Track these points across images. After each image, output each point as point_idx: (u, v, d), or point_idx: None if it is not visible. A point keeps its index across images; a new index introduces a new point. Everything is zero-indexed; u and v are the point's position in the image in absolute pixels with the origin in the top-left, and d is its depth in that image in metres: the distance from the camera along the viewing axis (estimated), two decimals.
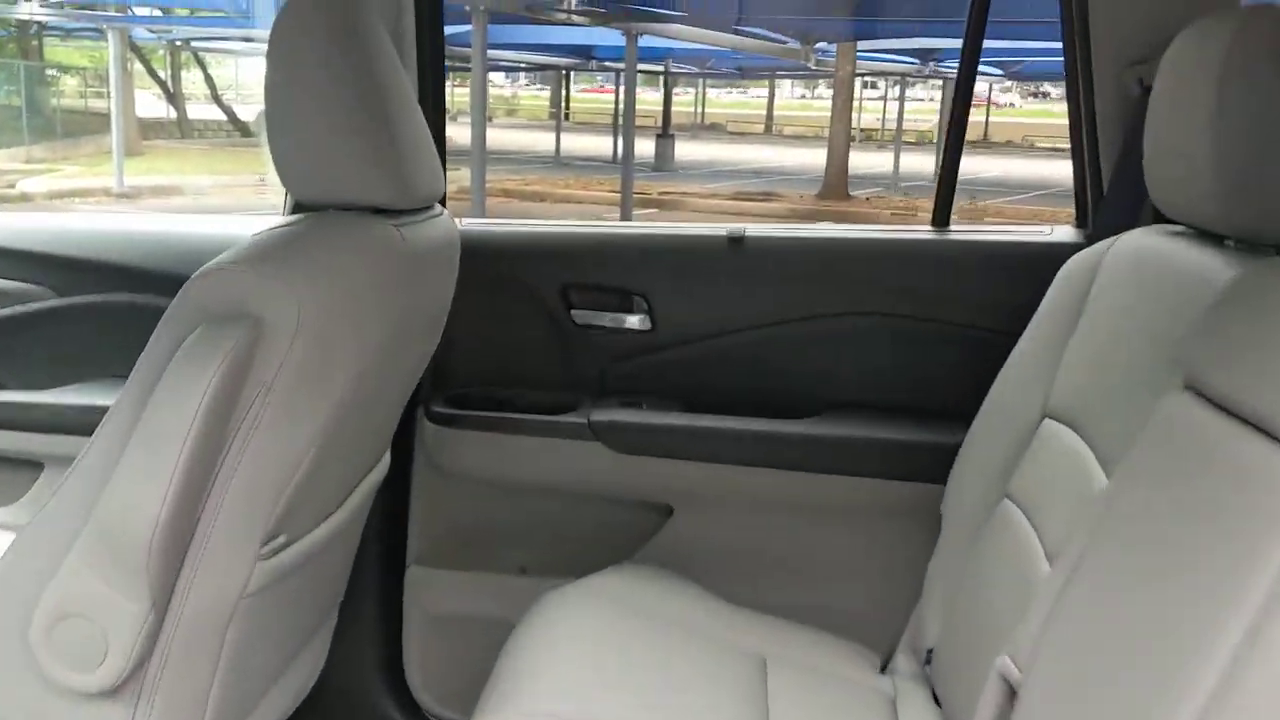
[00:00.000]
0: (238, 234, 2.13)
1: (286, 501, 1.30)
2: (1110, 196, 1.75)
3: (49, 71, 20.26)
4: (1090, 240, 1.65)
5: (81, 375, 2.04)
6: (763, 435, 1.89)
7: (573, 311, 2.02)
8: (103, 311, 2.07)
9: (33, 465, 1.94)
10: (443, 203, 1.71)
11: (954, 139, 2.01)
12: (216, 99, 21.56)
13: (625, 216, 11.18)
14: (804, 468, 1.88)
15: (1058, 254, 1.65)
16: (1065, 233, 1.92)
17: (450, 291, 1.67)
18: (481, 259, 1.85)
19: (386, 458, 1.74)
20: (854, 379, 1.97)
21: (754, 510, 1.95)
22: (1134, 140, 1.64)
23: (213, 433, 1.18)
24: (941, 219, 2.01)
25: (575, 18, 10.06)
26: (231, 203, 11.83)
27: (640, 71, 13.92)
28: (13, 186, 13.40)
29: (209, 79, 22.31)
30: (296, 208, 1.90)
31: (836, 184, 15.53)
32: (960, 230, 2.01)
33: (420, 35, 1.93)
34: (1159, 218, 1.46)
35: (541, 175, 17.49)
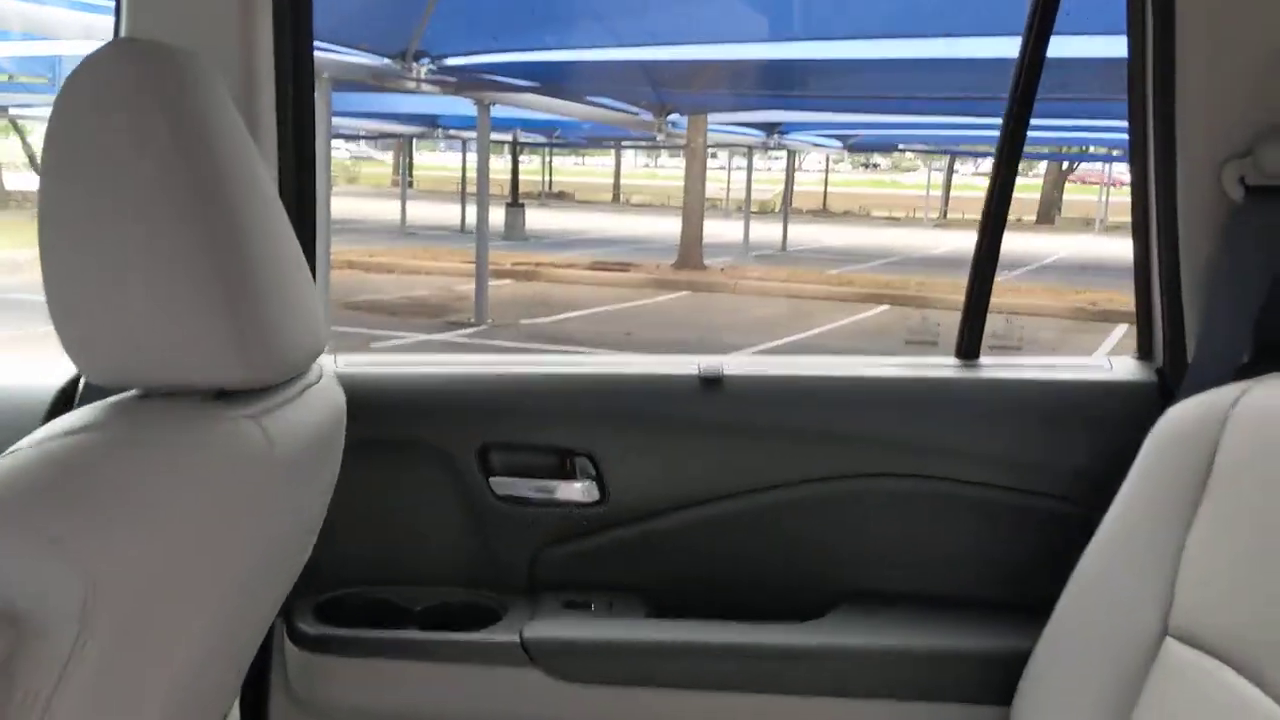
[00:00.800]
0: (25, 387, 1.43)
1: None
2: (1209, 331, 1.36)
3: None
4: (1175, 383, 1.34)
5: None
6: (757, 649, 1.44)
7: (493, 480, 1.55)
8: None
9: None
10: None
11: (985, 253, 1.60)
12: (36, 168, 20.36)
13: (481, 289, 10.85)
14: (814, 690, 1.43)
15: (1127, 395, 1.38)
16: (1128, 367, 1.55)
17: (334, 479, 1.22)
18: (367, 412, 1.36)
19: (235, 710, 1.30)
20: (873, 563, 1.54)
21: None
22: (1238, 255, 1.34)
23: None
24: (970, 350, 1.62)
25: (425, 87, 9.78)
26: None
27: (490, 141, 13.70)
28: None
29: (28, 147, 21.08)
30: (90, 391, 1.37)
31: (692, 253, 15.53)
32: (994, 364, 1.62)
33: (282, 108, 1.42)
34: (1269, 359, 1.18)
35: (387, 246, 16.98)
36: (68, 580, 0.75)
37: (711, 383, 1.55)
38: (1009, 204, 1.60)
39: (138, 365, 0.88)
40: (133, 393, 0.92)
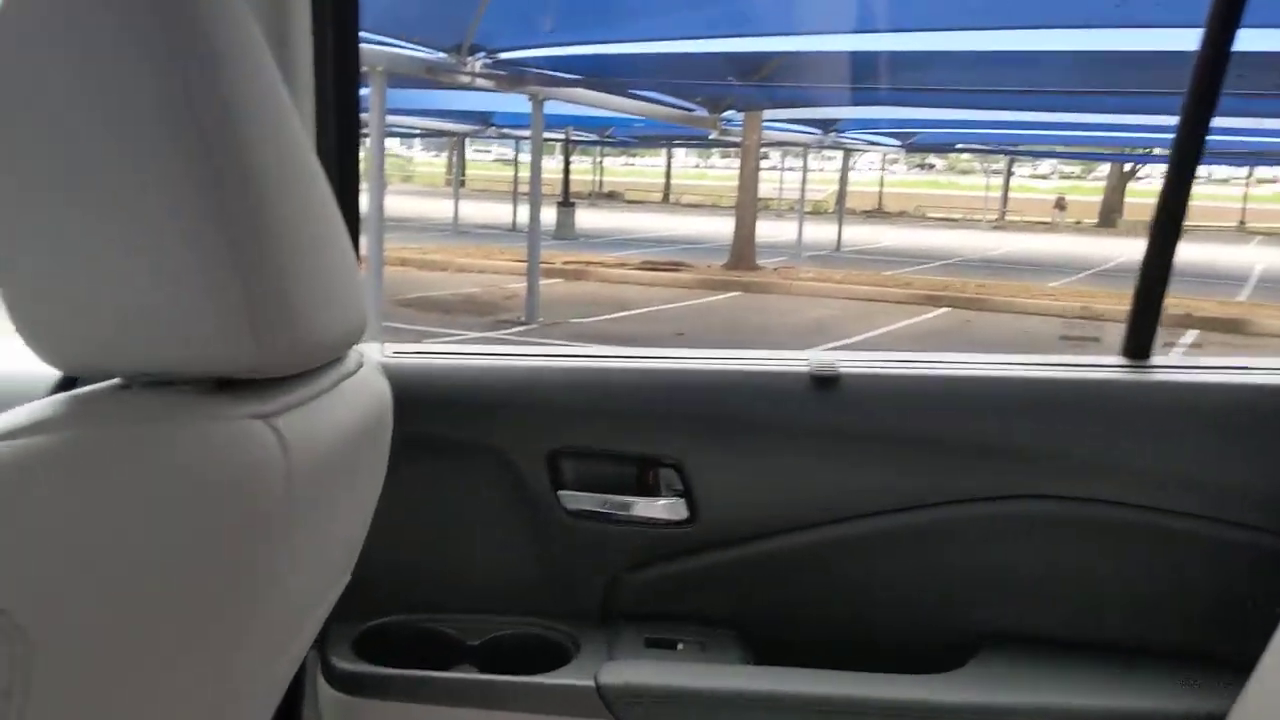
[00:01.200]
0: (23, 375, 1.15)
1: None
2: None
3: None
4: None
5: None
6: (880, 705, 1.20)
7: (562, 493, 1.33)
8: None
9: None
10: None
11: (1160, 242, 1.39)
12: None
13: (532, 288, 10.72)
14: None
15: None
16: None
17: (378, 489, 1.01)
18: (418, 410, 1.14)
19: None
20: (1021, 602, 1.30)
21: None
22: None
23: None
24: (1140, 348, 1.38)
25: (479, 82, 9.66)
26: None
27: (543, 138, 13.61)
28: None
29: None
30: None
31: (744, 253, 15.29)
32: (1171, 365, 1.37)
33: (320, 51, 1.18)
34: None
35: (440, 244, 16.95)
36: None
37: (825, 382, 1.31)
38: (1187, 197, 1.37)
39: (111, 346, 0.65)
40: (112, 382, 0.71)
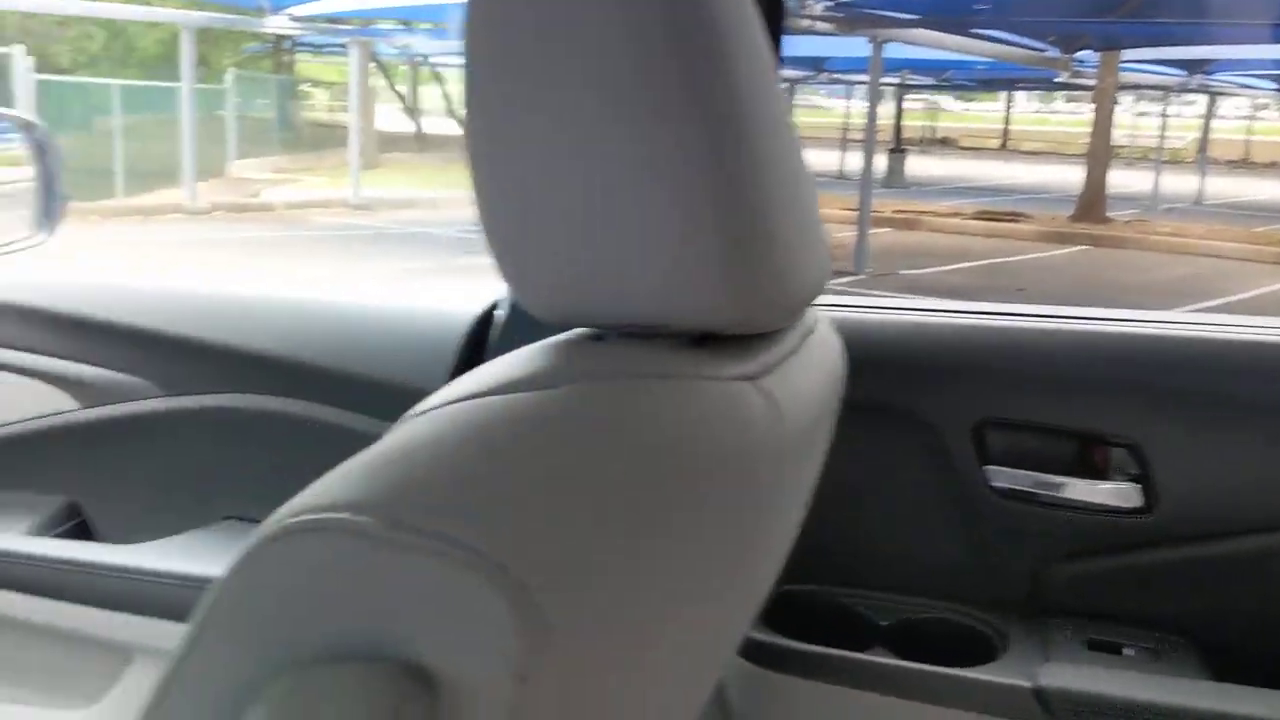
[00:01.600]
0: (437, 314, 1.33)
1: None
2: None
3: (301, 86, 21.41)
4: None
5: (184, 515, 1.40)
6: None
7: (989, 468, 1.21)
8: (218, 419, 1.39)
9: (118, 653, 1.30)
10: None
11: None
12: (453, 114, 22.26)
13: (862, 236, 10.52)
14: None
15: None
16: None
17: (826, 452, 0.93)
18: None
19: None
20: None
21: None
22: None
23: None
24: None
25: (818, 25, 9.50)
26: (462, 216, 11.88)
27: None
28: (256, 196, 13.96)
29: (446, 94, 23.03)
30: (511, 325, 1.19)
31: (1094, 204, 14.23)
32: None
33: None
34: None
35: None
36: (499, 614, 0.44)
37: None
38: None
39: (592, 296, 0.62)
40: (582, 331, 0.67)
